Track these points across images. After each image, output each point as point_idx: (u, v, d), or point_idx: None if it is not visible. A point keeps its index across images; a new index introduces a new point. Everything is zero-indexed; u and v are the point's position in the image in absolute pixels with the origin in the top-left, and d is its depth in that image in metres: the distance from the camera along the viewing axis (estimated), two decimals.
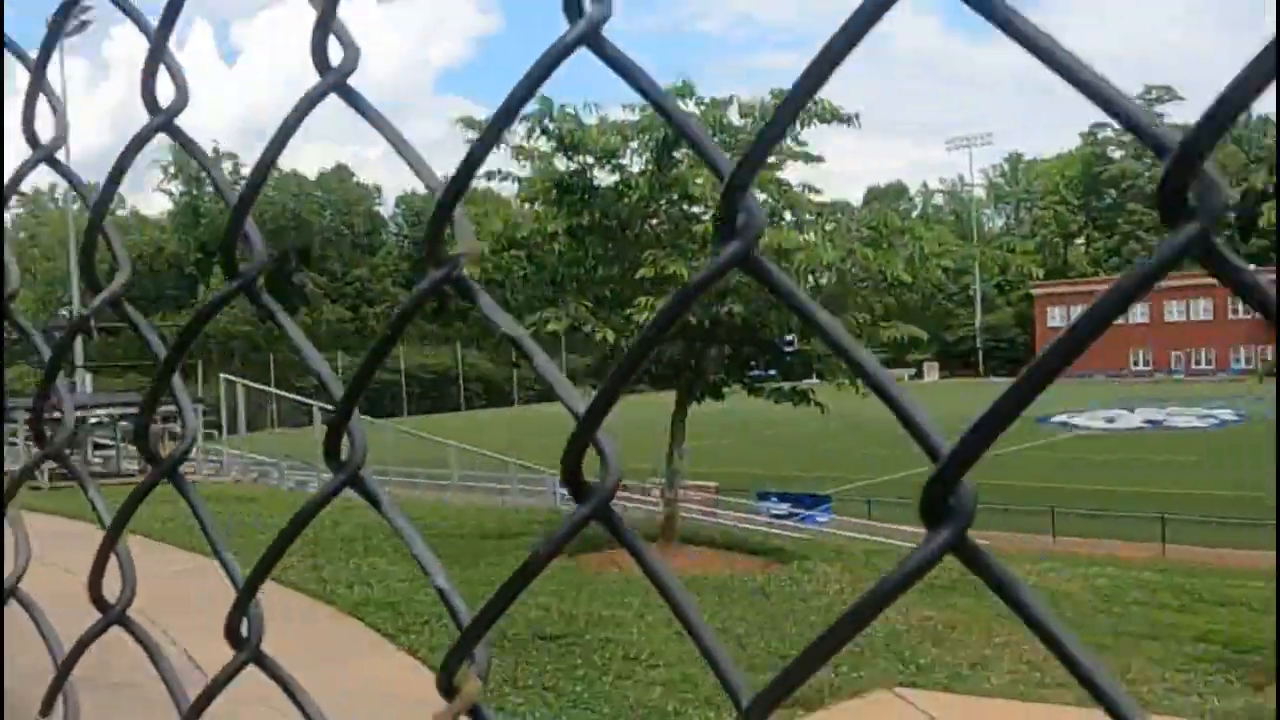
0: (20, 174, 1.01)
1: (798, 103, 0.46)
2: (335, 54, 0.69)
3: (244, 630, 0.72)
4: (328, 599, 12.76)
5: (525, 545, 14.81)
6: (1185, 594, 16.78)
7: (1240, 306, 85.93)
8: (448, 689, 0.57)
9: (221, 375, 31.54)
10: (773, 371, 17.53)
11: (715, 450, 42.98)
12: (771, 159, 16.19)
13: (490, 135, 0.57)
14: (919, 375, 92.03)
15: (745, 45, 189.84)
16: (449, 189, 0.55)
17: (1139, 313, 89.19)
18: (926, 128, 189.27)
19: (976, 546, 0.48)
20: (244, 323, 79.75)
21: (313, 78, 0.69)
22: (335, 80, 0.67)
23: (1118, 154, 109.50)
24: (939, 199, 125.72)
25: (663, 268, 14.37)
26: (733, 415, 34.04)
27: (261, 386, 37.35)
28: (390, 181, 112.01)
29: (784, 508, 31.00)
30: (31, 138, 0.97)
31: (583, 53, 0.56)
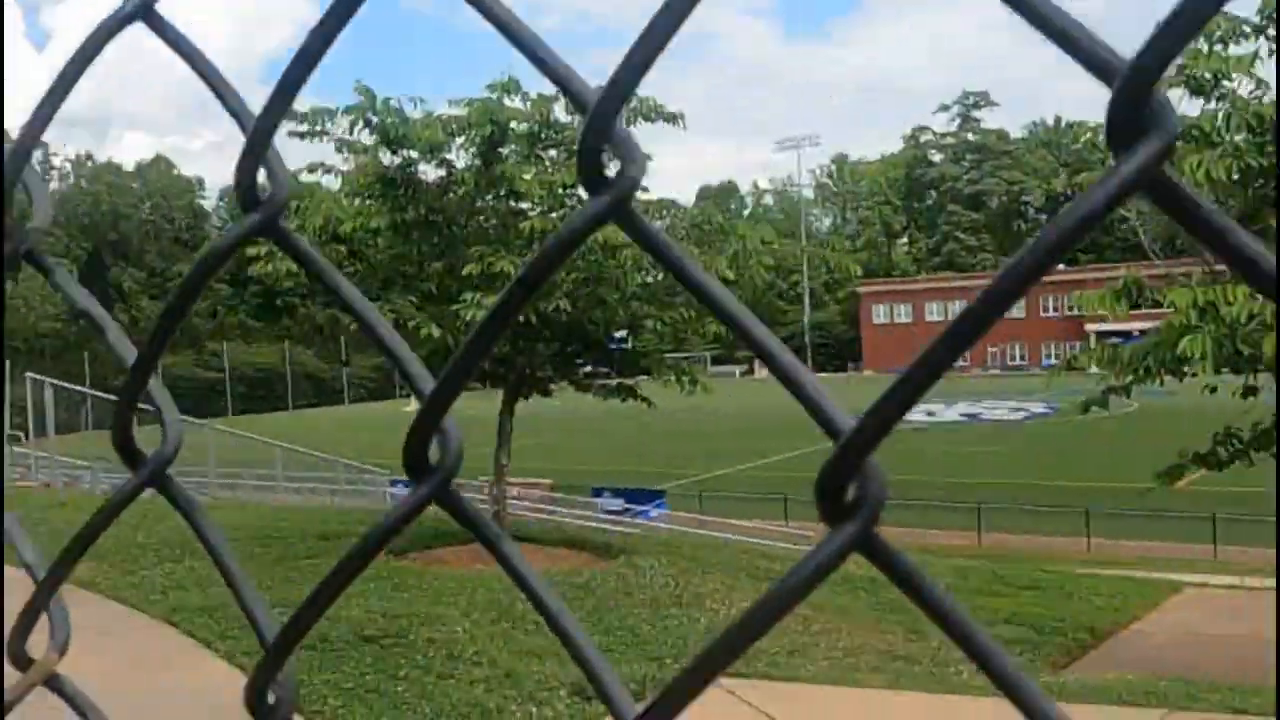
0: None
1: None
2: None
3: None
4: (141, 606, 12.30)
5: (348, 546, 14.53)
6: (996, 579, 17.57)
7: (1051, 304, 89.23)
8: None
9: (28, 374, 29.98)
10: (604, 368, 17.63)
11: (552, 447, 42.98)
12: None
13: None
14: (750, 371, 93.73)
15: (584, 41, 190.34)
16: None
17: (956, 309, 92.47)
18: (757, 128, 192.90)
19: (883, 541, 0.45)
20: (54, 319, 76.06)
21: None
22: (142, 2, 0.59)
23: (938, 157, 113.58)
24: (769, 199, 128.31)
25: (490, 264, 14.31)
26: (570, 412, 34.08)
27: (74, 386, 35.66)
28: (213, 174, 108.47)
29: (618, 503, 31.17)
30: None
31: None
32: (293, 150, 16.21)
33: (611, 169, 0.43)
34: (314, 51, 0.47)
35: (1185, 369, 11.20)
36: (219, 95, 0.52)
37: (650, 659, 10.34)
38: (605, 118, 0.42)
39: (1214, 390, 11.88)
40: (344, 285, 0.50)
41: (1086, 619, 15.22)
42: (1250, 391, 12.46)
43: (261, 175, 0.49)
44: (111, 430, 0.52)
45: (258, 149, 0.50)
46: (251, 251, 16.08)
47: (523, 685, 9.28)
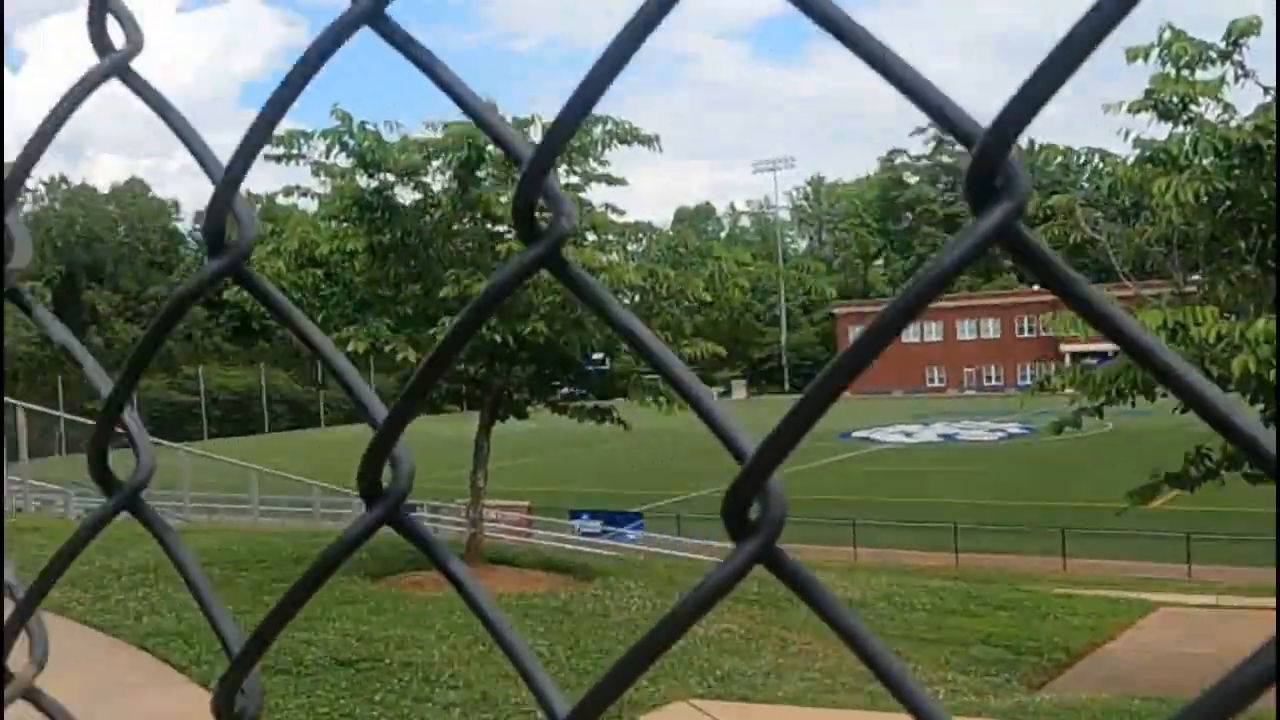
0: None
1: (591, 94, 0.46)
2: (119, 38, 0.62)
3: None
4: (114, 632, 12.22)
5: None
6: (971, 599, 17.62)
7: (1026, 326, 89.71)
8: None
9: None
10: (582, 390, 17.67)
11: (530, 469, 42.92)
12: (575, 179, 16.39)
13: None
14: (728, 393, 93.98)
15: (557, 66, 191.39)
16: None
17: (933, 331, 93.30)
18: (735, 151, 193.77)
19: (785, 556, 0.47)
20: (27, 343, 75.58)
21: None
22: (117, 63, 0.63)
23: (913, 179, 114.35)
24: (746, 220, 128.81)
25: (466, 287, 14.34)
26: (548, 434, 34.01)
27: (47, 410, 35.44)
28: (189, 196, 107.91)
29: (595, 525, 31.15)
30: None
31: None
32: (268, 173, 16.24)
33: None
34: (280, 104, 0.51)
35: (1157, 389, 11.31)
36: (188, 145, 0.55)
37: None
38: (537, 176, 0.46)
39: (1185, 410, 11.95)
40: (306, 324, 0.54)
41: (1061, 639, 15.29)
42: None
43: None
44: (87, 457, 0.55)
45: (225, 197, 0.53)
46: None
47: (498, 709, 9.27)
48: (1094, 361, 13.84)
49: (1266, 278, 11.59)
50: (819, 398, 0.41)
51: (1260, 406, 11.65)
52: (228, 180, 0.52)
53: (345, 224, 15.53)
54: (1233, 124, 11.41)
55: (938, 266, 0.38)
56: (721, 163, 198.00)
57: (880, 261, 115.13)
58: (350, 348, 14.51)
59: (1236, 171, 11.08)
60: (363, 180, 15.53)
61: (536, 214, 0.46)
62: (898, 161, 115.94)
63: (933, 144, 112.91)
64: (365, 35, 0.53)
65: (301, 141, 15.36)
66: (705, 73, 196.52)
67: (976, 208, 0.39)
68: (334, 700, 9.73)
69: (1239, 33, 11.27)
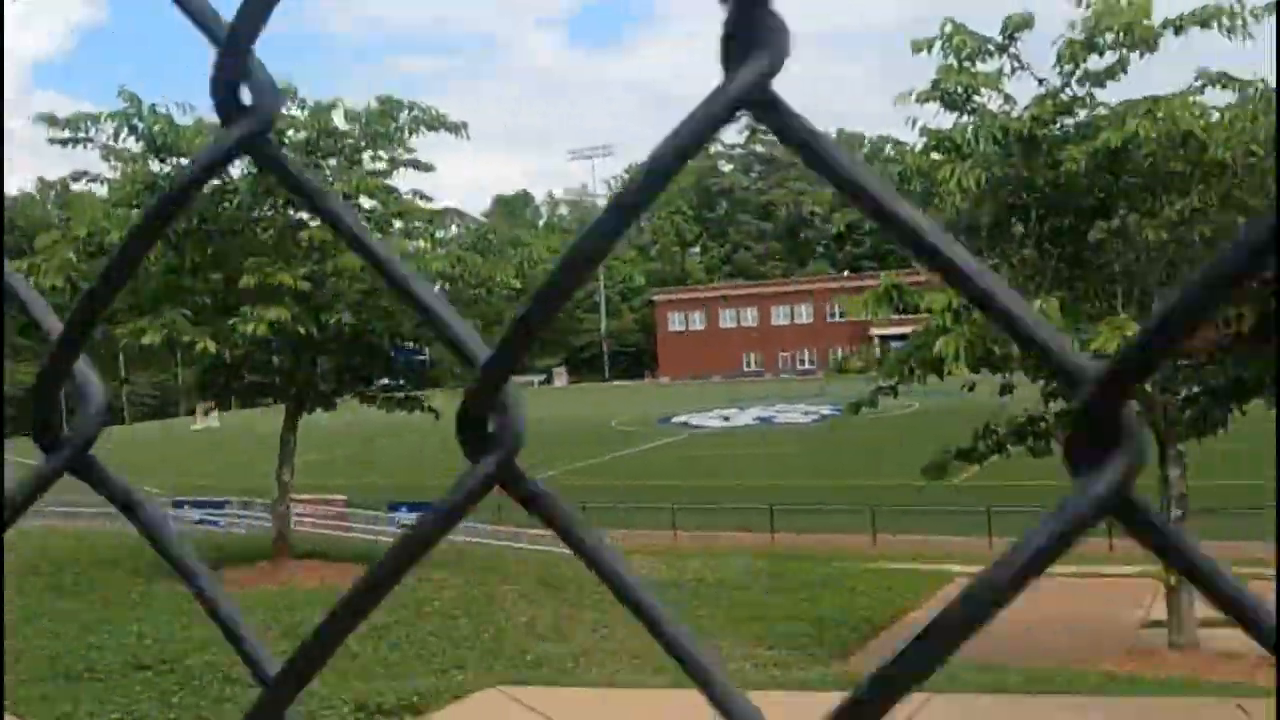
0: None
1: None
2: None
3: None
4: None
5: (119, 571, 13.97)
6: (782, 578, 18.09)
7: (837, 311, 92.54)
8: None
9: None
10: (401, 380, 17.42)
11: (346, 461, 42.06)
12: (381, 165, 16.12)
13: None
14: (549, 381, 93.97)
15: (379, 49, 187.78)
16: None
17: (749, 317, 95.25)
18: (554, 138, 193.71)
19: (524, 473, 0.46)
20: None
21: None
22: None
23: (728, 168, 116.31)
24: (564, 208, 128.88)
25: (267, 275, 13.96)
26: (366, 425, 33.31)
27: None
28: None
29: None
30: None
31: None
32: (54, 158, 15.46)
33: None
34: None
35: (944, 368, 11.80)
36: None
37: (437, 671, 10.27)
38: (239, 54, 0.44)
39: (973, 388, 12.58)
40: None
41: (867, 611, 15.82)
42: (1007, 389, 13.25)
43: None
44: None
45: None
46: (14, 266, 15.22)
47: (303, 704, 9.09)
48: (899, 344, 14.35)
49: (1044, 260, 12.22)
50: (561, 286, 0.40)
51: (1041, 384, 12.27)
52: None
53: (136, 210, 14.91)
54: (1012, 114, 11.98)
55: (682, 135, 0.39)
56: (541, 151, 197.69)
57: (696, 249, 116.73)
58: (145, 339, 13.97)
59: (1013, 159, 11.65)
60: (155, 165, 14.95)
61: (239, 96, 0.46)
62: (712, 150, 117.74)
63: (746, 133, 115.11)
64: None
65: (89, 124, 14.69)
66: (526, 62, 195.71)
67: (726, 70, 0.38)
68: (128, 705, 9.41)
69: (1014, 27, 11.84)
